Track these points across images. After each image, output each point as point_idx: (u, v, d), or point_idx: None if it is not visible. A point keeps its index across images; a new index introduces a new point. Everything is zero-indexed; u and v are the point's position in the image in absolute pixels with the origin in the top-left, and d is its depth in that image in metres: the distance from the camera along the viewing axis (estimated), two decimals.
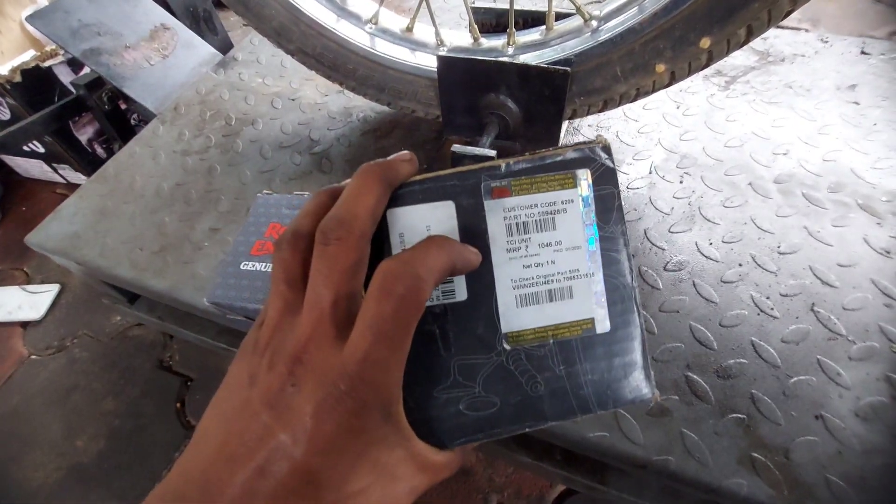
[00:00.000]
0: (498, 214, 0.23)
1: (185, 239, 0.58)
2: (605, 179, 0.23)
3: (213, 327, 0.65)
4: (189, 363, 0.96)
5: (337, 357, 0.18)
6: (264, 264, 0.42)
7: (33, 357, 1.00)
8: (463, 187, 0.23)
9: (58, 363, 0.99)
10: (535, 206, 0.23)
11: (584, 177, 0.23)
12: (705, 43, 0.42)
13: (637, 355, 0.23)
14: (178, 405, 0.91)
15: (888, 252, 0.47)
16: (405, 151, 0.23)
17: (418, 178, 0.23)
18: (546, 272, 0.23)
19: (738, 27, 0.40)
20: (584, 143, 0.23)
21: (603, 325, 0.23)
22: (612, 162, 0.23)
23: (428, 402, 0.22)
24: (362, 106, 0.69)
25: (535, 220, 0.23)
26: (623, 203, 0.24)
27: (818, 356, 0.42)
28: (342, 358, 0.18)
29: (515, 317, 0.23)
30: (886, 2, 1.25)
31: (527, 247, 0.23)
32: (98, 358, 0.98)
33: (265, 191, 0.47)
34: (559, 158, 0.23)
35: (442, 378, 0.22)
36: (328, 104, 0.71)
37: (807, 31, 1.27)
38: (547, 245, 0.23)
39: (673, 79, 0.46)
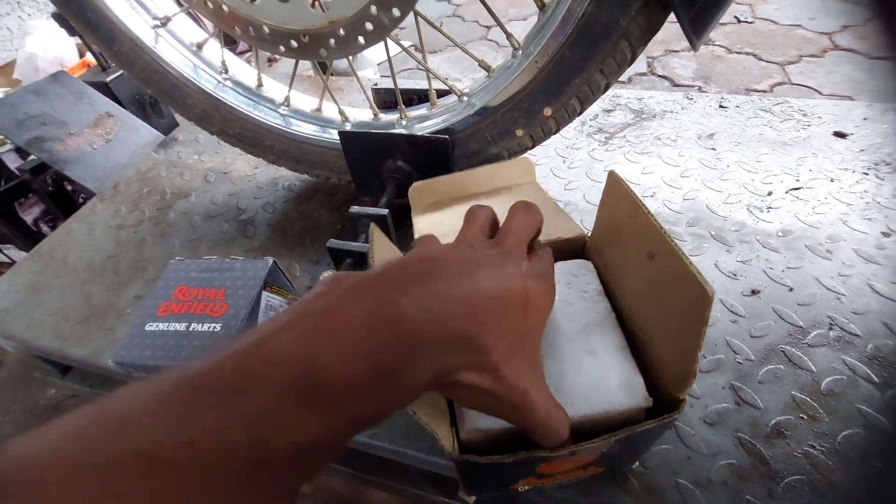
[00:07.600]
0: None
1: (111, 307, 0.61)
2: None
3: None
4: None
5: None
6: (167, 324, 0.45)
7: None
8: None
9: None
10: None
11: None
12: (548, 112, 0.50)
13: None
14: None
15: (734, 274, 0.54)
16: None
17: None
18: None
19: (569, 98, 0.49)
20: None
21: None
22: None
23: None
24: (288, 176, 0.76)
25: None
26: None
27: None
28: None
29: None
30: (768, 59, 1.44)
31: None
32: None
33: (178, 257, 0.52)
34: None
35: None
36: (257, 175, 0.77)
37: (700, 88, 1.44)
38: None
39: (533, 141, 0.54)
